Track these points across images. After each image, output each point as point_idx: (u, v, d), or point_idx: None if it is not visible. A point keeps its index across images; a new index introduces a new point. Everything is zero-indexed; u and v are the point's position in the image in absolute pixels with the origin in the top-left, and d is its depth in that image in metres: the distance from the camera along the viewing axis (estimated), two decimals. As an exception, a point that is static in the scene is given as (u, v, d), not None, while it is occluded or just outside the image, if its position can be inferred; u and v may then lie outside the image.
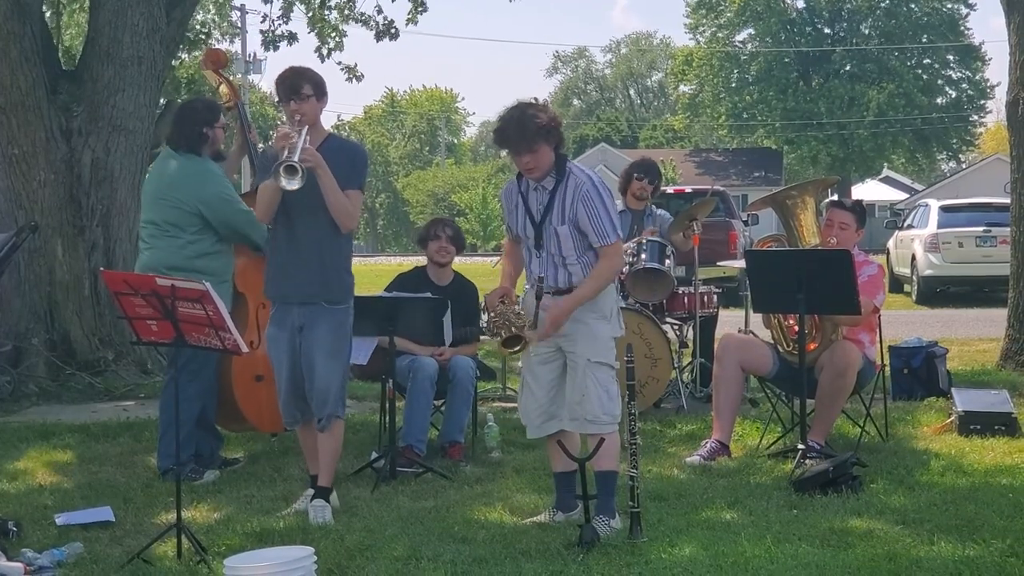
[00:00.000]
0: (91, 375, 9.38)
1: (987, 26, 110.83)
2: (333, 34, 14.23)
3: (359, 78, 14.82)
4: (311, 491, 5.56)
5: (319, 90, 5.35)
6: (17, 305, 9.53)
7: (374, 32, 13.98)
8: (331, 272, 5.40)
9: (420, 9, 14.12)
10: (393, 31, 13.97)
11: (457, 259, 7.19)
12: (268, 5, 14.28)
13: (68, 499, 5.86)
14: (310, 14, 14.15)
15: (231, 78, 7.61)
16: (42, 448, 7.21)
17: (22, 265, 9.41)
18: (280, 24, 14.26)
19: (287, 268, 5.39)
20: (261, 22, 17.46)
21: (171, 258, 6.19)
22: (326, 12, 14.10)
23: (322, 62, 14.19)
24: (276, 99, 5.47)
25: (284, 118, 5.42)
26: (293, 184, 5.01)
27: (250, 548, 4.77)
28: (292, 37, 14.36)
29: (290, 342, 5.41)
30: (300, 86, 5.30)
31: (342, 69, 14.74)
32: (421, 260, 7.39)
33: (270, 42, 14.35)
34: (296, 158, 5.03)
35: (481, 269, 17.82)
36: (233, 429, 6.98)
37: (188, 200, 6.24)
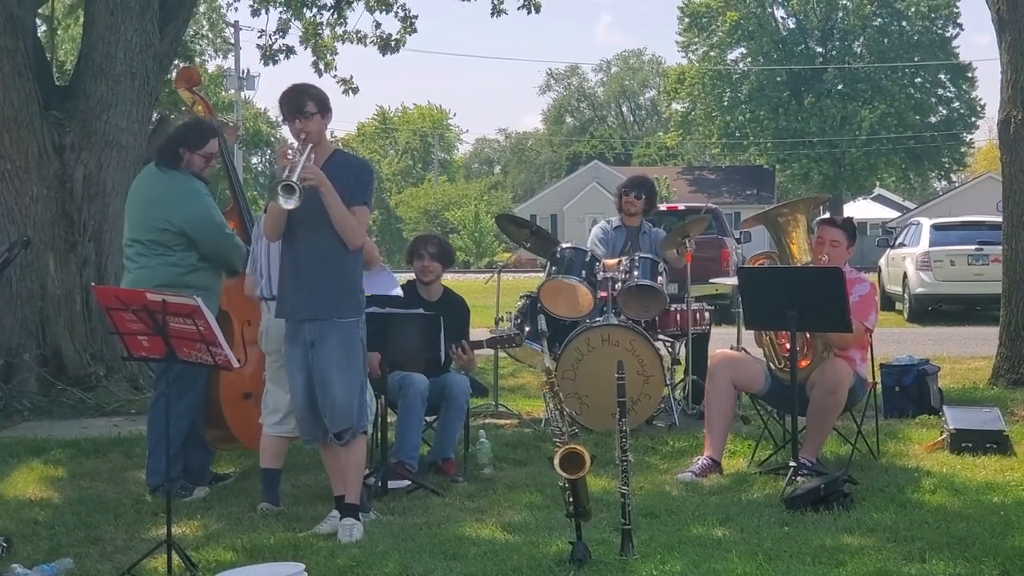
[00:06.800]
0: (82, 390, 9.36)
1: (972, 45, 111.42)
2: (326, 52, 14.31)
3: (355, 91, 14.86)
4: (336, 513, 5.43)
5: (323, 106, 5.26)
6: (9, 320, 9.52)
7: (377, 46, 14.07)
8: (338, 288, 5.27)
9: (409, 30, 14.19)
10: (393, 43, 14.04)
11: (449, 276, 7.17)
12: (262, 18, 14.34)
13: (59, 514, 5.84)
14: (302, 33, 14.22)
15: (212, 96, 7.51)
16: (33, 463, 7.20)
17: (14, 280, 9.40)
18: (277, 38, 14.38)
19: (294, 284, 5.31)
20: (258, 37, 17.68)
21: (161, 276, 6.12)
22: (320, 30, 14.18)
23: (319, 76, 14.31)
24: (280, 118, 5.38)
25: (278, 134, 5.40)
26: (290, 203, 4.97)
27: (240, 564, 4.76)
28: (290, 51, 14.46)
29: (304, 358, 5.29)
30: (303, 104, 5.20)
31: (338, 82, 14.81)
32: (413, 275, 7.38)
33: (269, 56, 14.46)
34: (294, 177, 4.98)
35: (474, 286, 17.81)
36: (221, 447, 6.94)
37: (173, 219, 6.19)
